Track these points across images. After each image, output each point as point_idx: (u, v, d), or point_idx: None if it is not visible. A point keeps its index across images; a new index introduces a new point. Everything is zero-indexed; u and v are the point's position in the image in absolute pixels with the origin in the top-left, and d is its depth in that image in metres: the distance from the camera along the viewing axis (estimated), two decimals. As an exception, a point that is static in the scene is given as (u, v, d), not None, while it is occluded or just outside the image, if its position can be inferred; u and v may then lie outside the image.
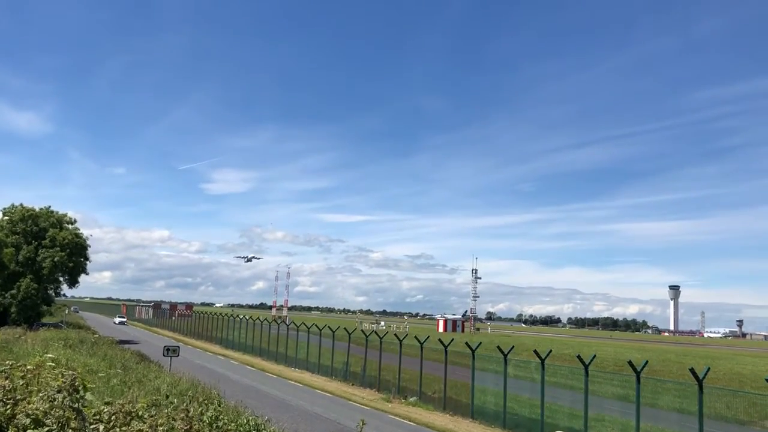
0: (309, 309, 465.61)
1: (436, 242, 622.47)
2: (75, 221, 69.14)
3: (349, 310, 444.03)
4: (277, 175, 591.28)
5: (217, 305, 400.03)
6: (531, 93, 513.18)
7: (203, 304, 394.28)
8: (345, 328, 45.47)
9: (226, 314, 77.71)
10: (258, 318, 63.20)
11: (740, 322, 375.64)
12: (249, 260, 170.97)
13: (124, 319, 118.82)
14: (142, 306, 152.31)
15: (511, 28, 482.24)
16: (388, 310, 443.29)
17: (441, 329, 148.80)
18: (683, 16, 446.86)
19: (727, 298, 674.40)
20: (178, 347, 37.32)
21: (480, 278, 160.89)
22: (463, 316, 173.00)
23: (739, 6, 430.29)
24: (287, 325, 55.09)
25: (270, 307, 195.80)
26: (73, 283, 68.83)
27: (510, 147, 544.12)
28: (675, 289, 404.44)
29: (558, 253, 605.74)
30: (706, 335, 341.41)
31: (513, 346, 30.21)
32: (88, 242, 69.01)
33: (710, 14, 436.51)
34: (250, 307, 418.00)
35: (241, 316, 70.11)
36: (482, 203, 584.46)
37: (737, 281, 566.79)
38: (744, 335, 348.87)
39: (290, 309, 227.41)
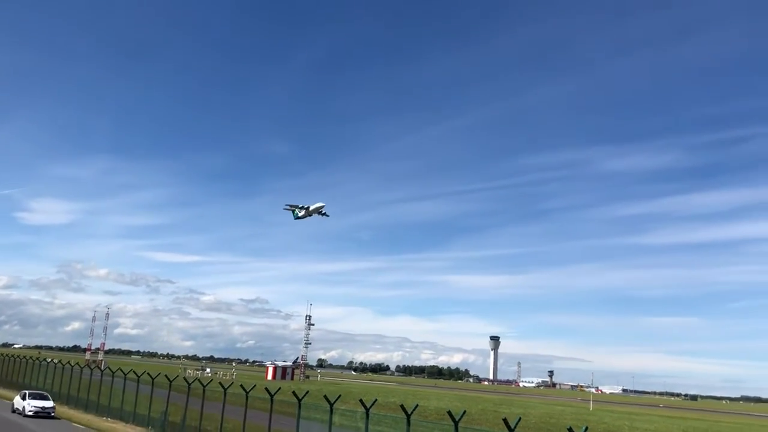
0: (129, 353, 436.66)
1: (273, 286, 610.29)
2: None
3: (173, 355, 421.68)
4: (106, 209, 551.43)
5: (17, 346, 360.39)
6: (374, 146, 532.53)
7: (3, 345, 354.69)
8: (166, 375, 42.92)
9: (31, 357, 70.51)
10: (69, 362, 58.16)
11: (551, 373, 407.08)
12: (309, 214, 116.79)
13: (50, 404, 45.66)
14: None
15: (356, 83, 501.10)
16: (216, 356, 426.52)
17: (270, 377, 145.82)
18: (516, 84, 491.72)
19: (541, 349, 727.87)
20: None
21: (313, 324, 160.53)
22: (293, 363, 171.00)
23: (557, 81, 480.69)
24: (101, 370, 51.04)
25: (84, 350, 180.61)
26: None
27: (351, 196, 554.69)
28: (495, 339, 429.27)
29: (391, 301, 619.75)
30: (521, 384, 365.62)
31: (340, 395, 30.25)
32: None
33: (538, 84, 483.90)
34: (61, 349, 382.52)
35: (49, 360, 64.14)
36: (321, 249, 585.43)
37: (550, 334, 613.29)
38: (554, 385, 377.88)
39: (108, 352, 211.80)
